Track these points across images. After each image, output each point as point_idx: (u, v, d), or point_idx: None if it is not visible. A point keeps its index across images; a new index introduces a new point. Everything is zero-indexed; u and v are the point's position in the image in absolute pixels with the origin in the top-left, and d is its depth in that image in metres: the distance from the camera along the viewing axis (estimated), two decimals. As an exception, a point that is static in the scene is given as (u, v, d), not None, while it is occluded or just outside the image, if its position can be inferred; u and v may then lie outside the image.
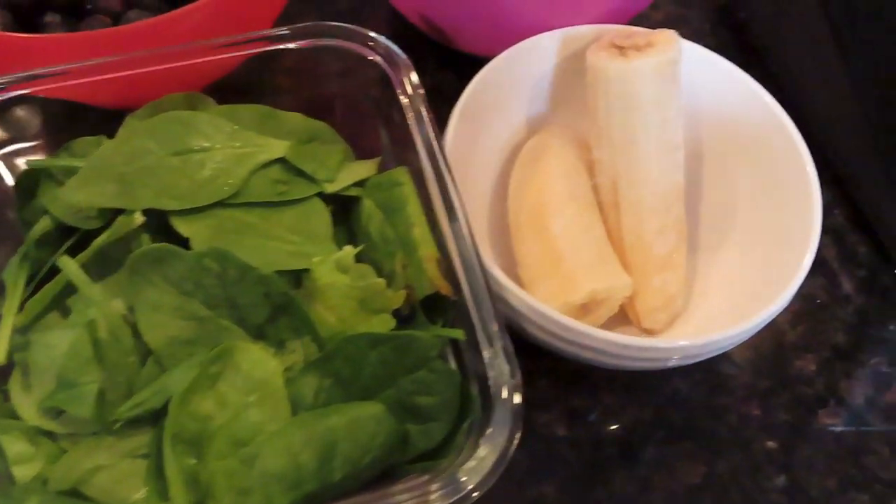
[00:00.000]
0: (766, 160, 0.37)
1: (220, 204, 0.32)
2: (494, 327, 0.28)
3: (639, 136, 0.35)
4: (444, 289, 0.29)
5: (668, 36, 0.35)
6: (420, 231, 0.30)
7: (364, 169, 0.34)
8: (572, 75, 0.38)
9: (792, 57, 0.46)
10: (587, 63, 0.35)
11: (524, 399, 0.27)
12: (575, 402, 0.37)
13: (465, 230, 0.29)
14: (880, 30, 0.41)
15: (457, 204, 0.30)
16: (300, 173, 0.33)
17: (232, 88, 0.37)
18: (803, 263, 0.33)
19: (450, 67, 0.46)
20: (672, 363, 0.33)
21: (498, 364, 0.27)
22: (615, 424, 0.37)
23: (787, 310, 0.40)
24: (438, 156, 0.31)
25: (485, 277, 0.28)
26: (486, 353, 0.27)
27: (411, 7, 0.43)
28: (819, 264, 0.42)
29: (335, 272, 0.29)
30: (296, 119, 0.36)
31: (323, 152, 0.34)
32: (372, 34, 0.34)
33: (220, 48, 0.33)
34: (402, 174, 0.32)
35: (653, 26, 0.50)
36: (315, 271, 0.29)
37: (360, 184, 0.34)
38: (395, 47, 0.34)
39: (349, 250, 0.30)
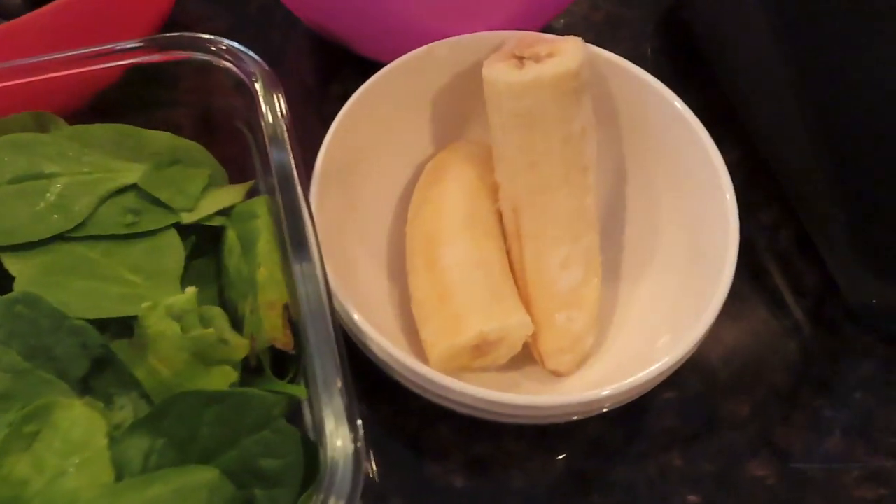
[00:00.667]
0: (686, 181, 0.33)
1: (61, 237, 0.29)
2: (337, 384, 0.24)
3: (539, 157, 0.31)
4: (282, 340, 0.25)
5: (573, 44, 0.31)
6: (266, 272, 0.27)
7: (229, 195, 0.31)
8: (478, 85, 0.34)
9: (736, 62, 0.42)
10: (482, 73, 0.32)
11: (370, 460, 0.24)
12: (477, 449, 0.34)
13: (317, 271, 0.26)
14: (827, 37, 0.37)
15: (310, 240, 0.26)
16: (157, 201, 0.30)
17: (105, 104, 0.34)
18: (714, 302, 0.29)
19: (365, 75, 0.43)
20: (573, 417, 0.29)
21: (339, 427, 0.24)
22: (520, 475, 0.33)
23: (720, 344, 0.37)
24: (294, 183, 0.28)
25: (333, 326, 0.25)
26: (326, 413, 0.24)
27: (303, 12, 0.40)
28: (760, 292, 0.38)
29: (166, 320, 0.25)
30: (162, 139, 0.32)
31: (184, 177, 0.31)
32: (236, 47, 0.30)
33: (52, 63, 0.29)
34: (259, 204, 0.29)
35: (592, 27, 0.47)
36: (144, 319, 0.25)
37: (226, 212, 0.31)
38: (257, 60, 0.30)
39: (189, 293, 0.26)
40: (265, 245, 0.27)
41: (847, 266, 0.36)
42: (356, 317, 0.27)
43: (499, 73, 0.31)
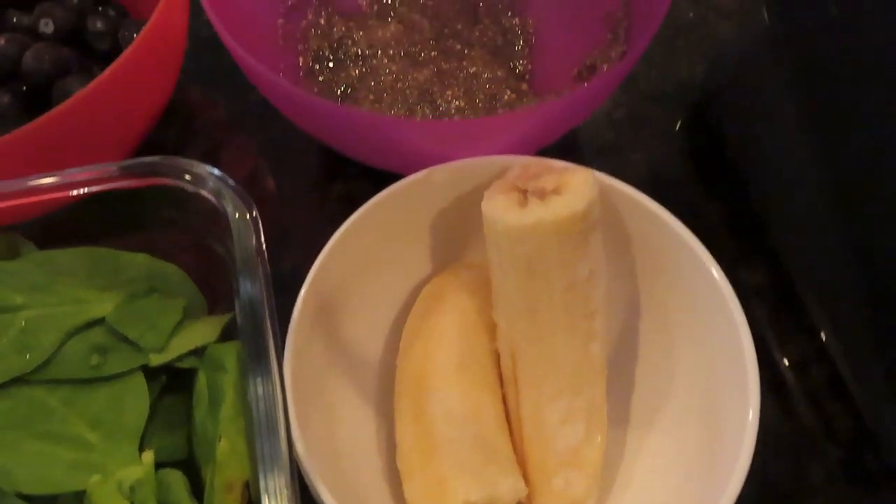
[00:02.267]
0: (701, 324, 0.30)
1: (21, 380, 0.27)
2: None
3: (540, 303, 0.28)
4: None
5: (582, 179, 0.28)
6: (227, 446, 0.24)
7: (203, 333, 0.29)
8: (479, 207, 0.32)
9: (766, 169, 0.39)
10: (482, 207, 0.29)
11: None
12: None
13: (281, 447, 0.23)
14: (871, 144, 0.34)
15: (278, 412, 0.24)
16: (126, 339, 0.28)
17: (80, 224, 0.32)
18: (739, 464, 0.26)
19: (367, 176, 0.41)
20: None
21: None
22: None
23: (741, 501, 0.33)
24: (264, 328, 0.25)
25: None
26: None
27: (303, 127, 0.38)
28: (787, 438, 0.35)
29: (116, 496, 0.23)
30: (139, 261, 0.30)
31: (158, 310, 0.29)
32: (209, 172, 0.28)
33: (18, 193, 0.28)
34: (229, 354, 0.27)
35: (614, 125, 0.44)
36: (92, 494, 0.23)
37: (199, 351, 0.29)
38: (231, 186, 0.28)
39: (146, 461, 0.24)
40: (229, 409, 0.25)
41: (887, 418, 0.33)
42: (321, 489, 0.25)
43: (499, 211, 0.28)
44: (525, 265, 0.28)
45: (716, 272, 0.29)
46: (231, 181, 0.29)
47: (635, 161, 0.42)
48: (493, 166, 0.31)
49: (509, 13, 0.43)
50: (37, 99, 0.35)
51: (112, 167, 0.28)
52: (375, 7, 0.44)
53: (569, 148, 0.41)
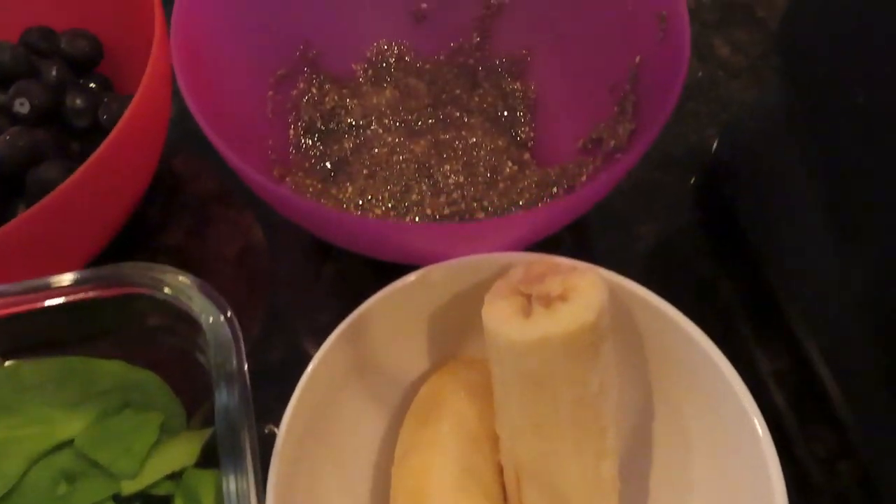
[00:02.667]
0: (720, 430, 0.28)
1: (-19, 513, 0.25)
2: None
3: (546, 419, 0.26)
4: None
5: (591, 283, 0.26)
6: None
7: (181, 454, 0.26)
8: (479, 302, 0.30)
9: (783, 245, 0.37)
10: (482, 314, 0.27)
11: None
12: None
13: None
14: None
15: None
16: (97, 463, 0.26)
17: (52, 331, 0.30)
18: None
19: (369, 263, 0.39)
20: None
21: None
22: None
23: None
24: (243, 449, 0.23)
25: None
26: None
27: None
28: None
29: None
30: (114, 370, 0.28)
31: (132, 429, 0.27)
32: (181, 281, 0.26)
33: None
34: (206, 483, 0.25)
35: (621, 195, 0.42)
36: None
37: (176, 476, 0.27)
38: (205, 291, 0.26)
39: None
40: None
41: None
42: None
43: (501, 322, 0.26)
44: (530, 380, 0.26)
45: (737, 384, 0.27)
46: (202, 284, 0.27)
47: (644, 234, 0.40)
48: (493, 265, 0.29)
49: (509, 77, 0.42)
50: (11, 187, 0.33)
51: (74, 276, 0.26)
52: (370, 71, 0.42)
53: (574, 222, 0.39)
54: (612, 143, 0.35)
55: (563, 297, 0.26)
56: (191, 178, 0.42)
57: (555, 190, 0.36)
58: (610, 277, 0.29)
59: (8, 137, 0.32)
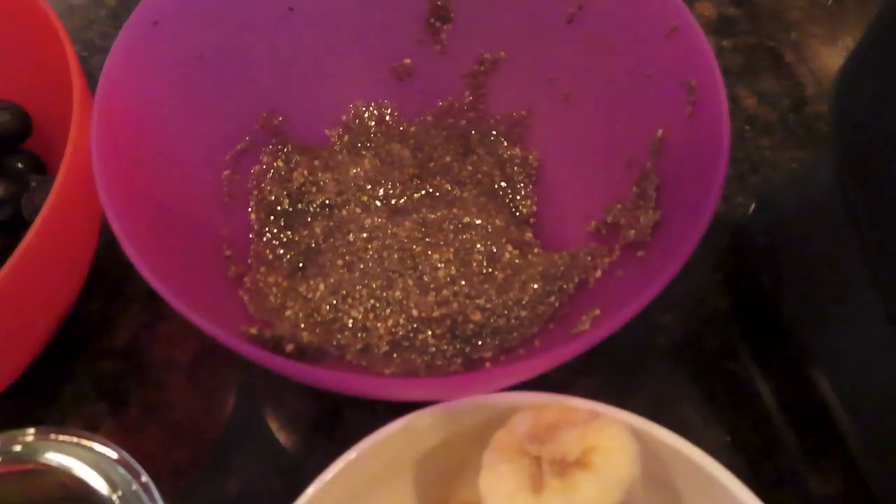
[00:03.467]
0: None
1: None
2: None
3: None
4: None
5: (617, 443, 0.21)
6: None
7: None
8: (475, 443, 0.24)
9: (839, 353, 0.31)
10: (479, 484, 0.22)
11: None
12: None
13: None
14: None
15: None
16: None
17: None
18: None
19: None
20: None
21: None
22: None
23: None
24: None
25: None
26: None
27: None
28: None
29: None
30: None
31: None
32: (82, 447, 0.21)
33: None
34: None
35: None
36: None
37: None
38: (108, 456, 0.21)
39: None
40: None
41: None
42: None
43: (504, 497, 0.20)
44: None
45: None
46: (113, 453, 0.21)
47: (666, 324, 0.34)
48: (493, 409, 0.24)
49: (506, 142, 0.36)
50: None
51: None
52: (346, 137, 0.36)
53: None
54: (632, 232, 0.29)
55: (582, 464, 0.21)
56: (171, 345, 0.35)
57: (564, 285, 0.31)
58: (640, 426, 0.23)
59: None
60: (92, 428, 0.32)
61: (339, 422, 0.32)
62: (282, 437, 0.32)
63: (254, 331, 0.26)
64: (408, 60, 0.36)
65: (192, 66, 0.31)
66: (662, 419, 0.24)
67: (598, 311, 0.27)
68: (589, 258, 0.31)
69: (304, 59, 0.34)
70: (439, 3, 0.35)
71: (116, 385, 0.33)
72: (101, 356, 0.34)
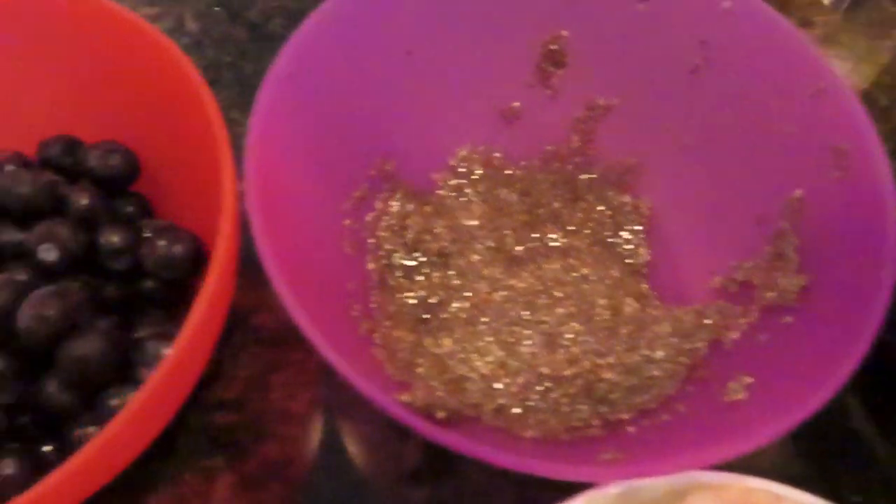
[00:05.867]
0: None
1: None
2: None
3: None
4: None
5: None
6: None
7: None
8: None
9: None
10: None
11: None
12: None
13: None
14: None
15: None
16: None
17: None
18: None
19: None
20: None
21: None
22: None
23: None
24: None
25: None
26: None
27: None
28: None
29: None
30: None
31: None
32: None
33: None
34: None
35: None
36: None
37: None
38: None
39: None
40: None
41: None
42: None
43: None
44: None
45: None
46: None
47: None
48: (669, 487, 0.23)
49: (614, 189, 0.36)
50: (36, 360, 0.27)
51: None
52: (453, 181, 0.35)
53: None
54: (770, 294, 0.29)
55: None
56: (249, 312, 0.35)
57: (695, 345, 0.30)
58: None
59: (34, 305, 0.26)
60: (210, 482, 0.31)
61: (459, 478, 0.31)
62: (404, 490, 0.31)
63: (406, 398, 0.25)
64: (517, 104, 0.35)
65: (319, 114, 0.30)
66: None
67: (749, 379, 0.26)
68: (718, 317, 0.31)
69: (417, 102, 0.34)
70: (554, 48, 0.34)
71: (231, 438, 0.32)
72: (214, 408, 0.33)
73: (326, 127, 0.30)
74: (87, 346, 0.26)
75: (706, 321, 0.31)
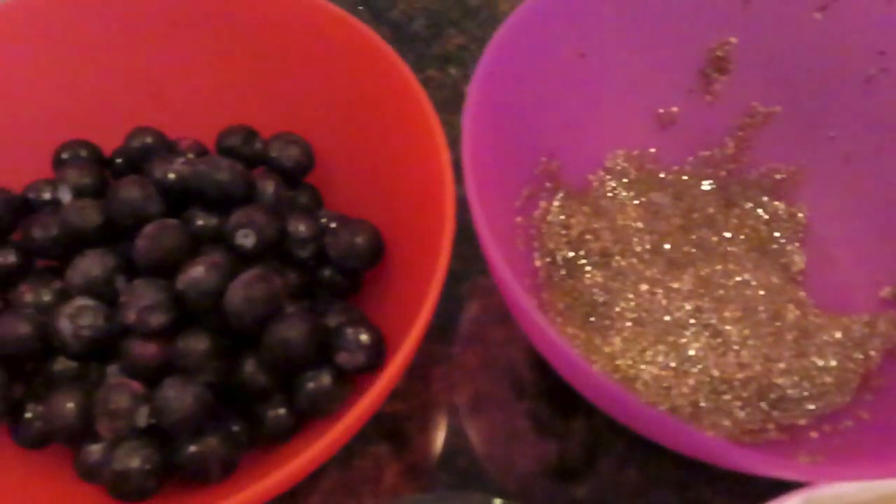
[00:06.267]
0: None
1: None
2: None
3: None
4: None
5: None
6: None
7: None
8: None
9: None
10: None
11: None
12: None
13: None
14: None
15: None
16: None
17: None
18: None
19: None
20: None
21: None
22: None
23: None
24: None
25: None
26: None
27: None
28: None
29: None
30: None
31: None
32: None
33: None
34: None
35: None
36: None
37: None
38: None
39: None
40: None
41: None
42: None
43: None
44: None
45: None
46: None
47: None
48: (878, 492, 0.23)
49: (769, 196, 0.36)
50: (241, 341, 0.28)
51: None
52: (608, 182, 0.36)
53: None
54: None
55: None
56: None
57: (868, 353, 0.31)
58: None
59: (243, 288, 0.27)
60: (378, 469, 0.32)
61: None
62: (565, 485, 0.32)
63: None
64: (675, 108, 0.36)
65: (502, 113, 0.30)
66: None
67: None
68: (891, 326, 0.31)
69: (583, 104, 0.34)
70: (720, 54, 0.35)
71: (397, 426, 0.33)
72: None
73: (507, 126, 0.31)
74: (293, 330, 0.27)
75: (879, 330, 0.31)
